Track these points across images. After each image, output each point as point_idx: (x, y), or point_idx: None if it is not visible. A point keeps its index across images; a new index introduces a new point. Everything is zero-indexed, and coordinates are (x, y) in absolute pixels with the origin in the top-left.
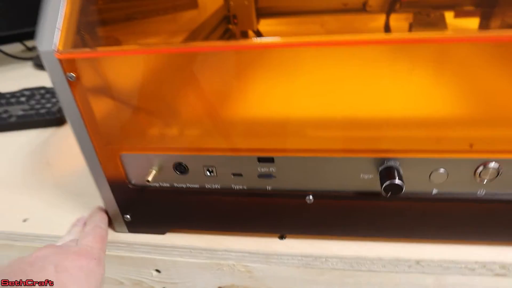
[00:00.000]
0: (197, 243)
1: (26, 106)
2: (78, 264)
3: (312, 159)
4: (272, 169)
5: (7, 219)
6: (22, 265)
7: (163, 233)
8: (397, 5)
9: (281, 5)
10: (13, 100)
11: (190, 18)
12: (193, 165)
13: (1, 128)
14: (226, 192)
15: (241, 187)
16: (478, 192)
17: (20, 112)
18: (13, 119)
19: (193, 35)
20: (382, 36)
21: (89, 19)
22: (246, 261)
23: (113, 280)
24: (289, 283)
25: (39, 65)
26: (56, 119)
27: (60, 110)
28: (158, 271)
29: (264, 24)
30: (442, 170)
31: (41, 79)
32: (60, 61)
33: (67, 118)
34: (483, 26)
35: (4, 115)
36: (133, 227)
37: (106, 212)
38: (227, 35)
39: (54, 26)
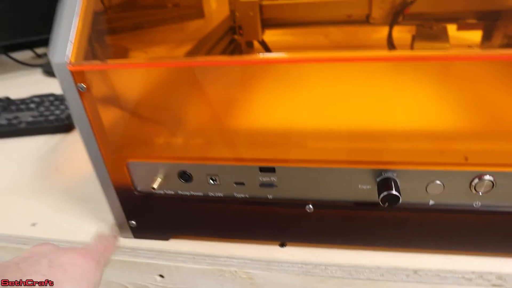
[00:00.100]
0: (200, 249)
1: (35, 113)
2: (74, 262)
3: (312, 169)
4: (273, 178)
5: (16, 223)
6: (17, 259)
7: (167, 239)
8: (400, 18)
9: (286, 16)
10: (23, 106)
11: (196, 27)
12: (197, 174)
13: (11, 134)
14: (229, 200)
15: (243, 195)
16: (474, 204)
17: (30, 119)
18: (23, 125)
19: (200, 45)
20: (383, 53)
21: (99, 28)
22: (247, 267)
23: (117, 285)
24: None
25: (49, 72)
26: (64, 126)
27: (68, 117)
28: (161, 276)
29: (269, 34)
30: (438, 182)
31: (51, 86)
32: (72, 72)
33: (77, 126)
34: (486, 39)
35: (14, 121)
36: (138, 233)
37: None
38: (233, 45)
39: (67, 39)
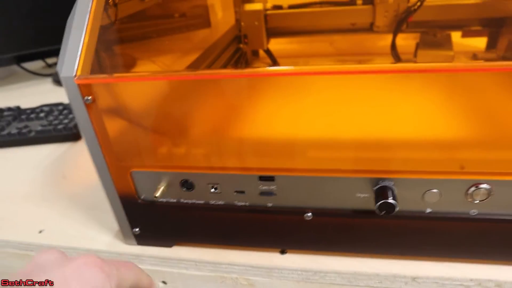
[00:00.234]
0: (202, 256)
1: (44, 122)
2: (79, 275)
3: (310, 178)
4: (272, 187)
5: (24, 229)
6: (19, 273)
7: (170, 246)
8: (404, 25)
9: (291, 25)
10: (33, 116)
11: (203, 37)
12: (198, 182)
13: (21, 143)
14: (230, 208)
15: (243, 203)
16: (471, 212)
17: (39, 128)
18: (32, 134)
19: (206, 54)
20: (386, 67)
21: (108, 39)
22: (248, 274)
23: None
24: None
25: (58, 81)
26: (72, 135)
27: (76, 126)
28: (164, 282)
29: (275, 43)
30: (435, 190)
31: (60, 95)
32: (78, 85)
33: (83, 136)
34: (490, 46)
35: (24, 130)
36: (141, 240)
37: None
38: (238, 54)
39: (74, 53)
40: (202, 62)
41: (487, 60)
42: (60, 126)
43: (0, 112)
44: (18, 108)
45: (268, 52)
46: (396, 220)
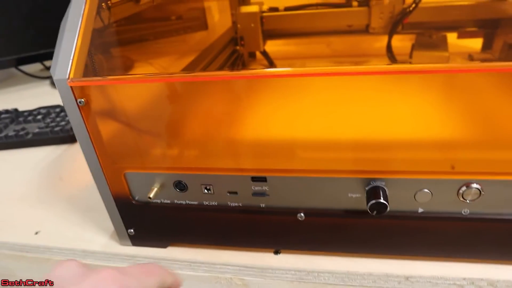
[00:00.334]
0: (197, 257)
1: (42, 124)
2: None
3: (302, 178)
4: (265, 187)
5: (20, 231)
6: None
7: (164, 246)
8: (400, 27)
9: (287, 27)
10: (30, 118)
11: (199, 39)
12: (192, 183)
13: (19, 145)
14: (223, 209)
15: (236, 204)
16: (463, 211)
17: (36, 130)
18: (29, 136)
19: (202, 56)
20: (381, 68)
21: (103, 41)
22: (242, 274)
23: None
24: None
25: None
26: (69, 137)
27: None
28: None
29: (271, 45)
30: (426, 190)
31: (57, 97)
32: (72, 88)
33: (77, 138)
34: (486, 47)
35: (22, 133)
36: (136, 241)
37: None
38: (235, 55)
39: (67, 57)
40: (199, 64)
41: (482, 61)
42: (57, 128)
43: None
44: (15, 110)
45: (264, 53)
46: (389, 220)
